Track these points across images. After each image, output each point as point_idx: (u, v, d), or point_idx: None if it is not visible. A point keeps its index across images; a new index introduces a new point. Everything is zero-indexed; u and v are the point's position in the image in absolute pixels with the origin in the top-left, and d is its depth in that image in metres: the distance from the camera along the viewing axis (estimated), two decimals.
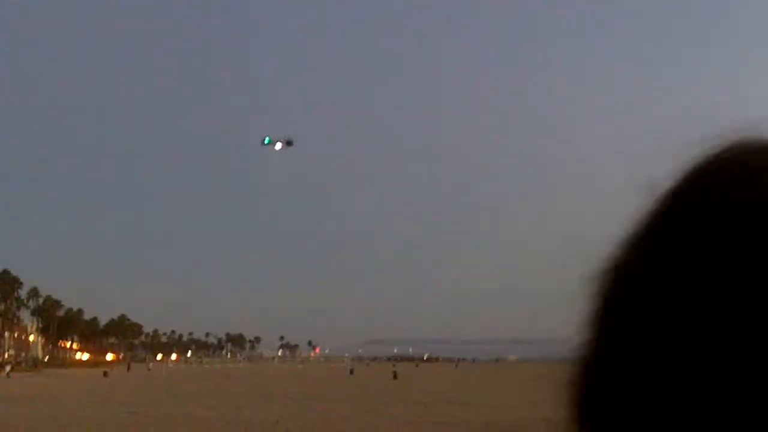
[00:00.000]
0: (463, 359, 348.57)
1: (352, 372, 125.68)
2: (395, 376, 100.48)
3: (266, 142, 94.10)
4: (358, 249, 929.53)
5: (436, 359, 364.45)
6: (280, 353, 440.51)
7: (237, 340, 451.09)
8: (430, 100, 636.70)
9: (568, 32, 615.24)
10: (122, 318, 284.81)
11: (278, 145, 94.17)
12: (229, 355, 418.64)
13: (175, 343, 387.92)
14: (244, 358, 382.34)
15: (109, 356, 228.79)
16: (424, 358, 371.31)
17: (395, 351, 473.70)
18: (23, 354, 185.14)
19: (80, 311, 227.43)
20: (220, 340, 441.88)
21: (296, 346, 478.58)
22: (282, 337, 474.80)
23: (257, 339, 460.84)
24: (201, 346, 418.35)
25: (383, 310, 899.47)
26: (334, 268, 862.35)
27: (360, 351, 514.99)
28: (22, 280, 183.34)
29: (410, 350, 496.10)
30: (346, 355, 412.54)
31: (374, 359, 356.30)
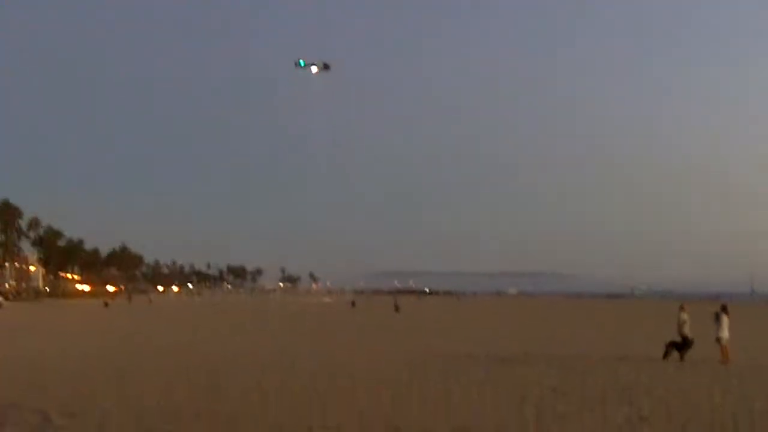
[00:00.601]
0: (464, 293, 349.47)
1: (353, 304, 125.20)
2: (397, 309, 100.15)
3: (301, 64, 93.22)
4: (360, 183, 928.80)
5: (438, 292, 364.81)
6: (281, 285, 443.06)
7: (238, 272, 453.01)
8: None
9: None
10: (123, 249, 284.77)
11: (314, 68, 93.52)
12: (230, 287, 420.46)
13: (177, 275, 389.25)
14: (245, 291, 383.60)
15: (110, 288, 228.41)
16: (426, 291, 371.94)
17: (397, 284, 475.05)
18: (24, 284, 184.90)
19: (81, 242, 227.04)
20: (221, 272, 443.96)
21: (298, 278, 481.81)
22: (283, 270, 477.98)
23: (259, 271, 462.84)
24: (202, 278, 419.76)
25: (385, 244, 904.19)
26: (337, 202, 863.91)
27: (361, 284, 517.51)
28: (22, 210, 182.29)
29: (412, 283, 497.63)
30: (348, 287, 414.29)
31: (376, 292, 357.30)
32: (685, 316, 30.61)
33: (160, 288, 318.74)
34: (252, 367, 26.84)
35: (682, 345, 30.15)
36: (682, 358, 29.68)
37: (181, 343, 39.53)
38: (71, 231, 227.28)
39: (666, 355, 30.24)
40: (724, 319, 29.62)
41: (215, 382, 22.81)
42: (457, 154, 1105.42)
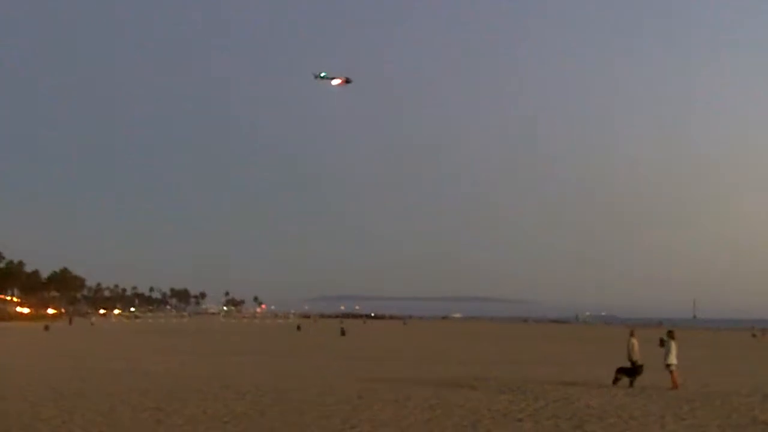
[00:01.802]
0: (410, 317, 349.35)
1: (299, 328, 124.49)
2: (343, 333, 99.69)
3: (322, 75, 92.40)
4: (307, 206, 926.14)
5: (384, 317, 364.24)
6: (225, 309, 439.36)
7: (182, 296, 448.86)
8: None
9: None
10: (64, 271, 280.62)
11: (335, 81, 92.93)
12: (173, 311, 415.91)
13: (119, 298, 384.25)
14: (188, 314, 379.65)
15: (51, 310, 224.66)
16: (372, 316, 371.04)
17: (343, 308, 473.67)
18: None
19: (21, 263, 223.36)
20: (164, 295, 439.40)
21: (242, 302, 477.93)
22: (227, 293, 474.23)
23: (202, 294, 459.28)
24: (145, 301, 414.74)
25: (332, 268, 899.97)
26: (283, 226, 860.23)
27: (306, 307, 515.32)
28: None
29: (358, 307, 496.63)
30: (292, 311, 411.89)
31: (322, 316, 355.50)
32: (634, 341, 30.55)
33: (102, 311, 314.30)
34: (195, 391, 26.29)
35: (632, 371, 30.03)
36: (631, 384, 29.56)
37: (124, 366, 38.75)
38: (10, 253, 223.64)
39: (616, 380, 30.11)
40: (673, 345, 29.61)
41: (159, 406, 22.28)
42: (399, 182, 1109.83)
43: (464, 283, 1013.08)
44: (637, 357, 30.26)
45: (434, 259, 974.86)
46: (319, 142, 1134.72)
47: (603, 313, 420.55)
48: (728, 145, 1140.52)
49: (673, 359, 29.25)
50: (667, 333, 30.93)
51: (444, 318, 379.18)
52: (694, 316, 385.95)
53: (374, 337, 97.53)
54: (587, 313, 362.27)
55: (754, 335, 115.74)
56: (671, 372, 29.02)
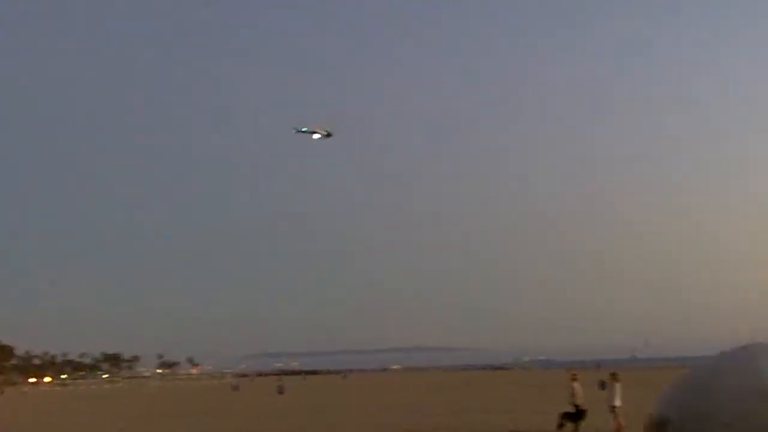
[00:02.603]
0: (350, 370, 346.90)
1: (235, 388, 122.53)
2: (280, 391, 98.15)
3: (303, 129, 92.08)
4: (240, 262, 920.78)
5: (322, 372, 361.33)
6: (159, 371, 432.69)
7: (114, 360, 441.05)
8: None
9: None
10: None
11: (316, 135, 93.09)
12: (106, 376, 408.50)
13: (49, 365, 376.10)
14: (121, 378, 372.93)
15: None
16: (311, 371, 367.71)
17: (280, 365, 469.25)
18: None
19: None
20: (96, 360, 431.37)
21: (176, 363, 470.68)
22: (161, 356, 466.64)
23: (135, 358, 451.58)
24: (77, 367, 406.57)
25: (267, 324, 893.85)
26: (215, 284, 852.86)
27: (243, 366, 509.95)
28: None
29: (295, 364, 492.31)
30: (229, 370, 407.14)
31: (259, 374, 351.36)
32: (577, 385, 30.18)
33: (33, 379, 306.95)
34: None
35: (575, 415, 29.63)
36: (576, 429, 29.16)
37: None
38: None
39: (560, 426, 29.69)
40: (617, 387, 29.29)
41: None
42: (312, 230, 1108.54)
43: (404, 333, 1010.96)
44: (581, 401, 29.87)
45: (373, 310, 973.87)
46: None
47: (542, 358, 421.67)
48: None
49: (617, 401, 28.93)
50: (610, 375, 30.64)
51: (384, 370, 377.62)
52: (633, 357, 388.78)
53: (313, 394, 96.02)
54: (526, 358, 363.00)
55: None
56: (616, 414, 28.68)
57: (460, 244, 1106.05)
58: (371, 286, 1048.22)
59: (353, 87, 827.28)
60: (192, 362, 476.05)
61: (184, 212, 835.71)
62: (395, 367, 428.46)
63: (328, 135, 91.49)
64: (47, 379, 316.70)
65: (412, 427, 32.77)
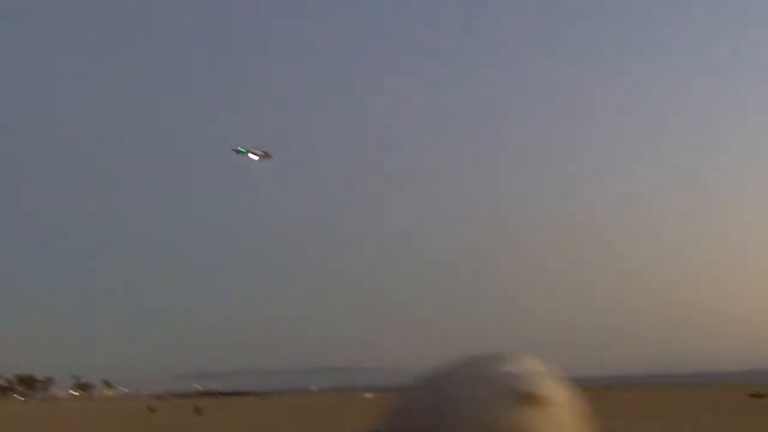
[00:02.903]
0: (268, 392, 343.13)
1: (152, 410, 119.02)
2: (198, 412, 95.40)
3: (241, 150, 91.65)
4: (157, 282, 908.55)
5: (241, 393, 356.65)
6: (74, 393, 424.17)
7: (28, 382, 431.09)
8: None
9: None
10: None
11: (254, 156, 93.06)
12: (20, 398, 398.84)
13: None
14: (36, 400, 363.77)
15: None
16: (229, 392, 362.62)
17: (198, 386, 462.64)
18: None
19: None
20: (9, 382, 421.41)
21: (92, 385, 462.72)
22: (76, 377, 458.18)
23: (49, 379, 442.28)
24: None
25: (184, 345, 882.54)
26: (132, 305, 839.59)
27: (161, 388, 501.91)
28: None
29: (214, 385, 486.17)
30: (145, 392, 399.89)
31: (176, 395, 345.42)
32: None
33: None
34: None
35: None
36: None
37: None
38: None
39: None
40: None
41: None
42: (231, 248, 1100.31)
43: (325, 353, 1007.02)
44: None
45: (294, 330, 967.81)
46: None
47: None
48: None
49: None
50: None
51: (303, 391, 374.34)
52: None
53: (231, 416, 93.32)
54: None
55: None
56: None
57: (381, 264, 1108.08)
58: (293, 305, 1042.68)
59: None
60: (108, 384, 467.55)
61: (97, 231, 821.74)
62: (312, 387, 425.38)
63: (266, 156, 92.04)
64: None
65: None
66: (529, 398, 2.07)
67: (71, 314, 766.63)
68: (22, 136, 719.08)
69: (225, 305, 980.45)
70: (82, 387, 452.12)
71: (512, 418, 2.08)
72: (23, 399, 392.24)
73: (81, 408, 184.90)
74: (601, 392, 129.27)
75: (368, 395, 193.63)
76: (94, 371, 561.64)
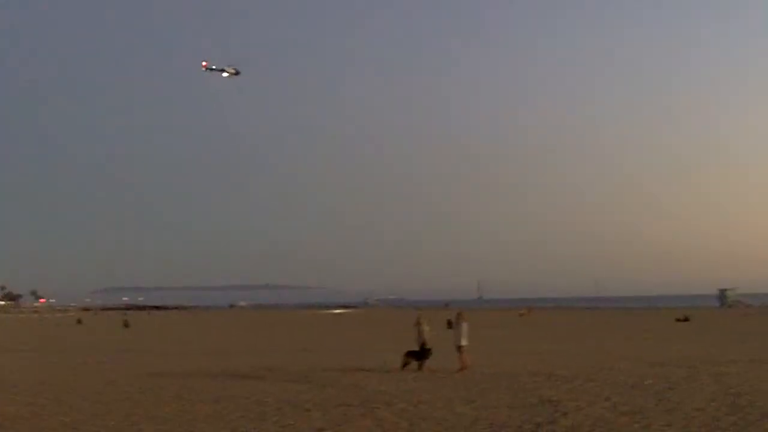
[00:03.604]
0: (197, 307, 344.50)
1: (79, 322, 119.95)
2: (126, 325, 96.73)
3: (212, 68, 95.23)
4: (90, 194, 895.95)
5: (169, 308, 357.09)
6: (1, 303, 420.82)
7: None
8: None
9: None
10: None
11: (225, 74, 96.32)
12: None
13: None
14: None
15: None
16: (157, 306, 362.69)
17: (126, 299, 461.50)
18: None
19: None
20: None
21: (19, 296, 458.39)
22: (3, 287, 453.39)
23: None
24: None
25: (114, 258, 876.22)
26: (63, 218, 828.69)
27: (88, 300, 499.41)
28: None
29: (142, 299, 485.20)
30: (73, 304, 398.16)
31: (105, 308, 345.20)
32: (424, 324, 30.52)
33: None
34: None
35: (420, 354, 29.97)
36: (420, 367, 29.51)
37: None
38: None
39: (405, 364, 29.97)
40: (464, 326, 29.73)
41: None
42: (165, 166, 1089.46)
43: (252, 271, 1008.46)
44: (427, 340, 30.22)
45: (220, 247, 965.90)
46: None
47: (392, 297, 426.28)
48: None
49: (464, 340, 29.36)
50: (457, 314, 31.05)
51: (231, 307, 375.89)
52: (480, 297, 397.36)
53: (159, 329, 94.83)
54: (376, 298, 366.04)
55: (521, 314, 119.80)
56: (461, 353, 29.09)
57: (313, 187, 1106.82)
58: (222, 224, 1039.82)
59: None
60: (36, 295, 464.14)
61: (28, 143, 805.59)
62: (242, 303, 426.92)
63: (237, 73, 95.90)
64: None
65: (248, 369, 32.57)
66: None
67: (2, 225, 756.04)
68: None
69: (157, 222, 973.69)
70: (10, 297, 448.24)
71: None
72: None
73: (8, 319, 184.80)
74: (537, 313, 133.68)
75: (337, 311, 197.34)
76: (22, 282, 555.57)
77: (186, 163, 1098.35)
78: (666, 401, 19.87)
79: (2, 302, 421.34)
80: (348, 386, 24.59)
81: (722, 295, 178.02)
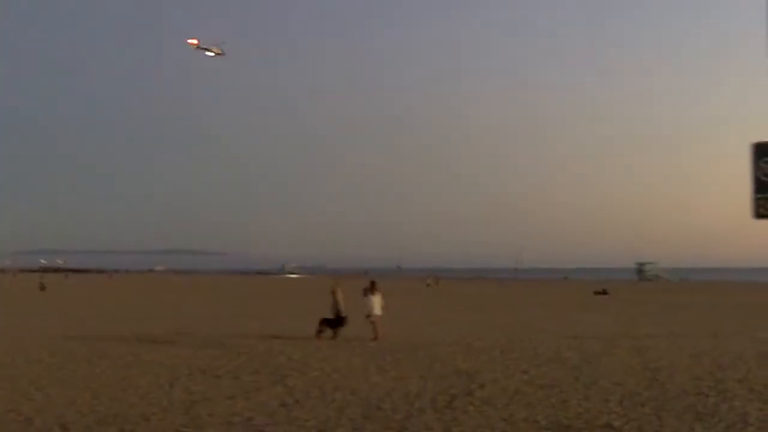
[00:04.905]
0: (115, 270, 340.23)
1: None
2: (42, 288, 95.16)
3: (199, 47, 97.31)
4: (11, 153, 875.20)
5: (89, 270, 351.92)
6: None
7: None
8: None
9: None
10: None
11: (209, 54, 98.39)
12: None
13: None
14: None
15: None
16: (75, 270, 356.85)
17: (43, 262, 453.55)
18: None
19: None
20: None
21: None
22: None
23: None
24: None
25: (31, 220, 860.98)
26: None
27: (9, 263, 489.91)
28: None
29: (59, 261, 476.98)
30: None
31: (20, 270, 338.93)
32: (339, 292, 30.48)
33: None
34: None
35: (335, 322, 29.94)
36: (335, 335, 29.50)
37: None
38: None
39: (319, 332, 29.92)
40: (376, 296, 29.79)
41: None
42: (84, 132, 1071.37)
43: (171, 236, 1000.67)
44: (342, 308, 30.19)
45: (140, 211, 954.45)
46: None
47: (308, 265, 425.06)
48: None
49: (376, 310, 29.42)
50: (370, 283, 31.07)
51: (149, 271, 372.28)
52: (399, 267, 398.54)
53: (76, 292, 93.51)
54: (293, 264, 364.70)
55: (428, 284, 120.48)
56: (373, 322, 29.14)
57: (233, 153, 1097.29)
58: (142, 188, 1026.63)
59: None
60: None
61: None
62: (159, 268, 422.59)
63: (221, 54, 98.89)
64: None
65: (162, 333, 32.31)
66: None
67: None
68: None
69: (79, 184, 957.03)
70: None
71: None
72: None
73: None
74: (449, 283, 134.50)
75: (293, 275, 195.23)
76: None
77: (109, 123, 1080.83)
78: (584, 375, 20.08)
79: None
80: (262, 353, 24.55)
81: (640, 268, 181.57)
